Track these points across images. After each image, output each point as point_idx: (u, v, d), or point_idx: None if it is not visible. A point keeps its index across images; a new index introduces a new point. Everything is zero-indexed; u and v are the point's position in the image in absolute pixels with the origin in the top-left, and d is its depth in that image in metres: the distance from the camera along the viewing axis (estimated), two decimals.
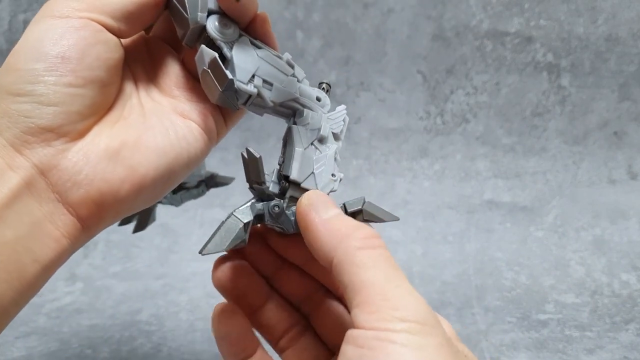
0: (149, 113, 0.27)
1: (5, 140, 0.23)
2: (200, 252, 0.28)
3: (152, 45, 0.30)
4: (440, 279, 0.69)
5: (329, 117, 0.31)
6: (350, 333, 0.22)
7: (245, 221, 0.28)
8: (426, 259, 0.73)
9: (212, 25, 0.28)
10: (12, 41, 0.76)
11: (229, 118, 0.31)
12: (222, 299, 0.30)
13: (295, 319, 0.31)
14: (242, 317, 0.29)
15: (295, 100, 0.30)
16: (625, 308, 0.62)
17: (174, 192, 0.47)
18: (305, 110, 0.30)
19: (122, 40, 0.27)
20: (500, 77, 0.79)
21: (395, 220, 0.29)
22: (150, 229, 0.49)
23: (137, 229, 0.48)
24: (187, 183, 0.47)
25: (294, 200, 0.29)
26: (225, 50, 0.28)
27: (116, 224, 0.33)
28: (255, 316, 0.31)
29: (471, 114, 0.80)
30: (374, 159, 0.82)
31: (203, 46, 0.27)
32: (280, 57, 0.30)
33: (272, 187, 0.29)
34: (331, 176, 0.30)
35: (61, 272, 0.70)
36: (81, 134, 0.25)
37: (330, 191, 0.30)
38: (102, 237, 0.75)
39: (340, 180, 0.30)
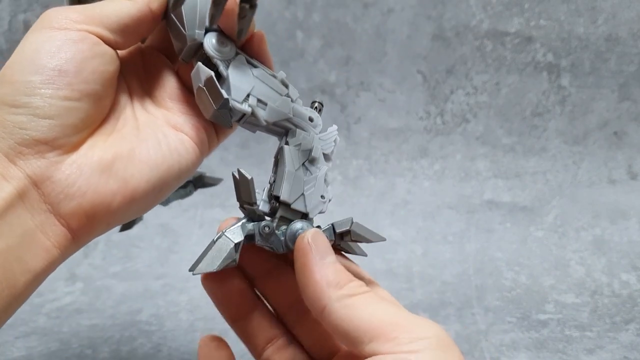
0: (143, 125, 0.27)
1: None
2: (190, 271, 0.28)
3: (148, 56, 0.30)
4: (440, 279, 0.69)
5: (321, 137, 0.31)
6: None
7: (236, 241, 0.28)
8: (426, 259, 0.73)
9: (209, 43, 0.28)
10: (12, 41, 0.76)
11: (221, 131, 0.31)
12: None
13: (282, 329, 0.31)
14: (226, 349, 0.30)
15: (289, 120, 0.30)
16: (625, 308, 0.62)
17: None
18: (298, 130, 0.30)
19: (118, 51, 0.27)
20: (500, 77, 0.79)
21: (382, 241, 0.30)
22: (150, 229, 0.49)
23: (123, 228, 0.48)
24: None
25: (284, 220, 0.29)
26: (222, 68, 0.28)
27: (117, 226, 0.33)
28: (241, 323, 0.30)
29: (471, 114, 0.80)
30: (374, 159, 0.82)
31: (199, 64, 0.27)
32: (275, 76, 0.30)
33: (263, 205, 0.29)
34: (320, 198, 0.30)
35: (61, 272, 0.70)
36: (75, 147, 0.25)
37: (319, 212, 0.30)
38: (102, 237, 0.75)
39: (330, 201, 0.30)
